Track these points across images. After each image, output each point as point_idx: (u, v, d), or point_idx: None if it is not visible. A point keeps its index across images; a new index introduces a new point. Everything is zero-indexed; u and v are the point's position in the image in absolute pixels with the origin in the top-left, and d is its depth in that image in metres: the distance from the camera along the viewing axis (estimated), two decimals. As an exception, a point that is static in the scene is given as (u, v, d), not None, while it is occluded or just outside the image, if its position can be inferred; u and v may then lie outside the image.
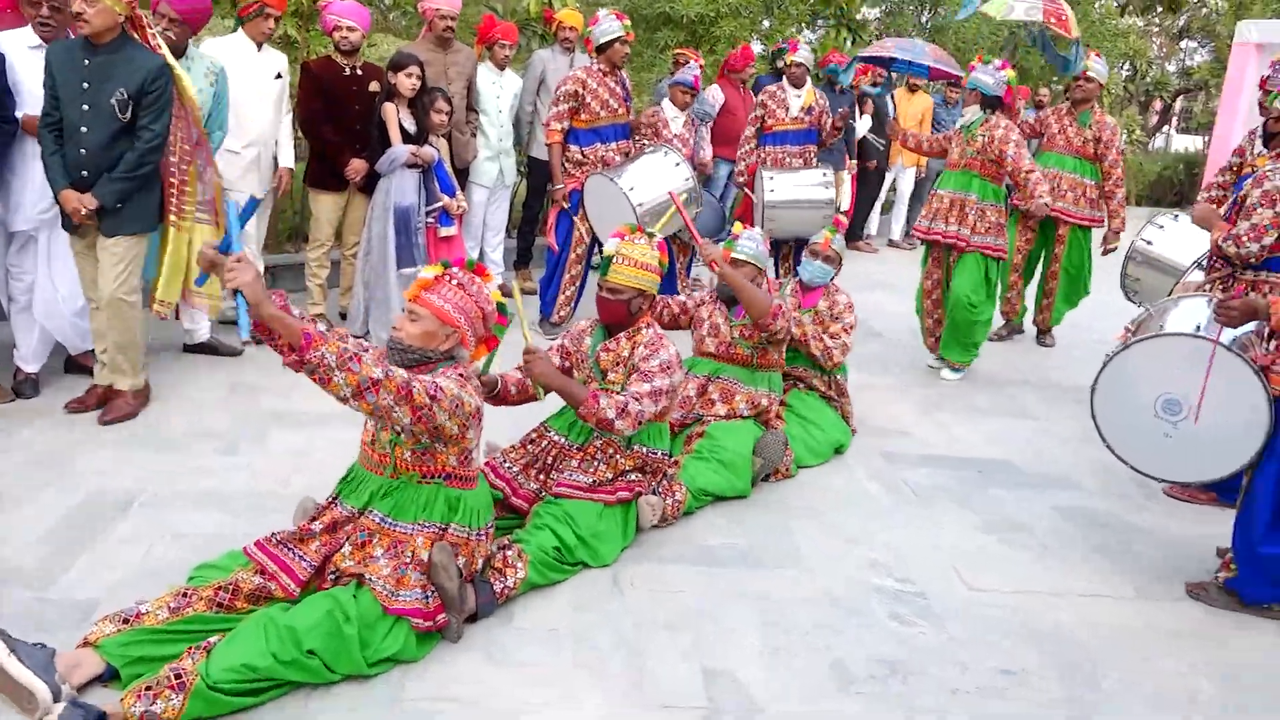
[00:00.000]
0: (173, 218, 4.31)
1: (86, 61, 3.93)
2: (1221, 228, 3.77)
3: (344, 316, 5.80)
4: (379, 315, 5.32)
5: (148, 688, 2.38)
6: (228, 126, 4.97)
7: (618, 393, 3.40)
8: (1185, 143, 21.40)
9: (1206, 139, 17.56)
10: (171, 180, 4.27)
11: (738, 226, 4.20)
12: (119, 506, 3.49)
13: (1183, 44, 18.40)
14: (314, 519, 2.89)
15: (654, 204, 5.16)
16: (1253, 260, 3.68)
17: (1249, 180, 3.69)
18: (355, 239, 5.61)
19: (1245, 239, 3.62)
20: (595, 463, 3.47)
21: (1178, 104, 20.22)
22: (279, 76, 5.31)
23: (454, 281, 2.88)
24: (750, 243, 4.12)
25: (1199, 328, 3.30)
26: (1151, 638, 3.12)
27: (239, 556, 2.84)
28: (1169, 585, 3.45)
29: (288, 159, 5.46)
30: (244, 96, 5.15)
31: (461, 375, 2.84)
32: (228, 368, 5.07)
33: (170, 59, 4.13)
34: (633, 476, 3.50)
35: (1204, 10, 16.23)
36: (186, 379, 4.84)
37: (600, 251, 4.90)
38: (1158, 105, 19.56)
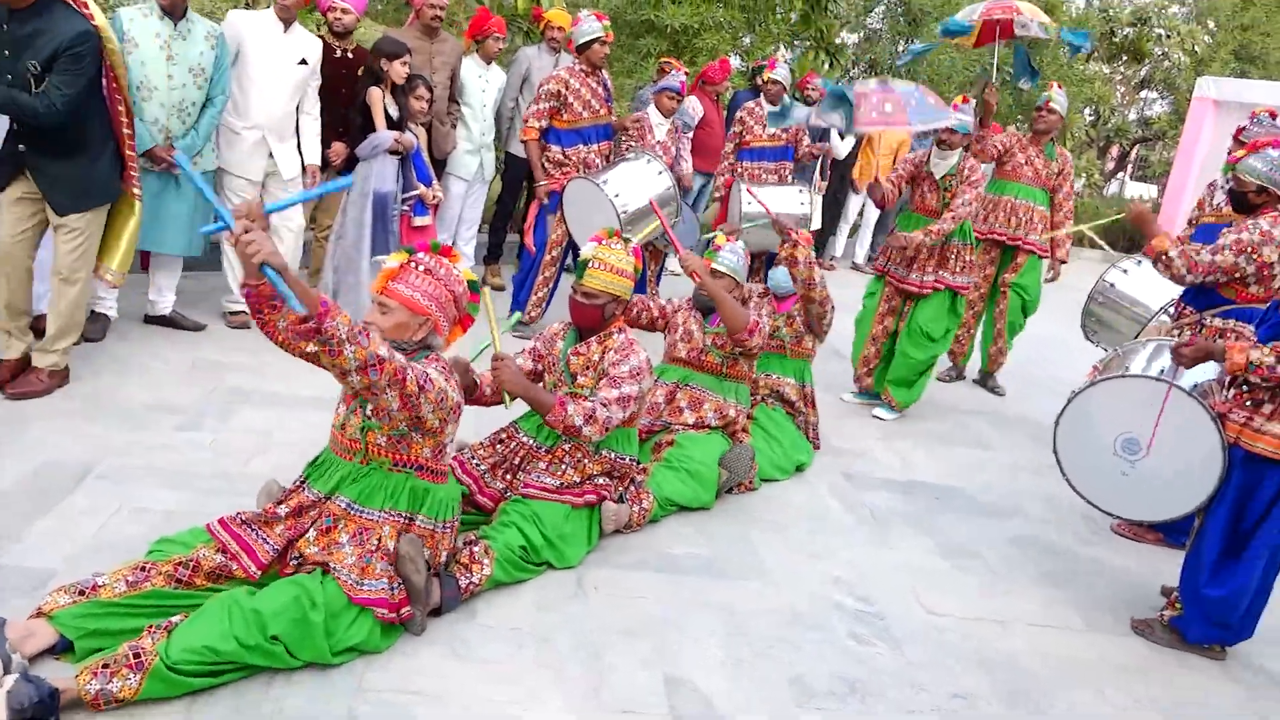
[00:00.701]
0: (136, 190, 4.16)
1: (4, 27, 3.64)
2: (1170, 237, 3.81)
3: (311, 299, 5.71)
4: (347, 300, 5.26)
5: (104, 665, 2.33)
6: (230, 92, 4.86)
7: (586, 398, 3.41)
8: (1138, 190, 22.01)
9: (1159, 187, 18.08)
10: (129, 153, 4.09)
11: (720, 238, 4.24)
12: (75, 476, 3.41)
13: (1143, 94, 18.89)
14: (280, 502, 2.85)
15: (637, 211, 5.17)
16: (1186, 281, 3.74)
17: (1228, 229, 3.78)
18: (329, 221, 5.54)
19: (1198, 265, 3.69)
20: (563, 466, 3.47)
21: (1134, 152, 20.76)
22: (303, 62, 5.07)
23: (420, 268, 2.82)
24: (731, 255, 4.16)
25: (1163, 371, 3.40)
26: (1099, 670, 3.20)
27: (200, 533, 2.80)
28: (1116, 619, 3.55)
29: (313, 154, 5.23)
30: (256, 74, 4.97)
31: (444, 368, 2.82)
32: (190, 342, 4.97)
33: (101, 22, 3.83)
34: (600, 480, 3.51)
35: (1166, 64, 16.69)
36: (147, 351, 4.74)
37: (575, 255, 4.91)
38: (1115, 151, 20.06)
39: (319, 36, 5.41)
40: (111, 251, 4.15)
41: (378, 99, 5.15)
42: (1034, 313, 6.38)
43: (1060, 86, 6.11)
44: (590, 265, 3.49)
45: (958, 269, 5.26)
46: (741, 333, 4.01)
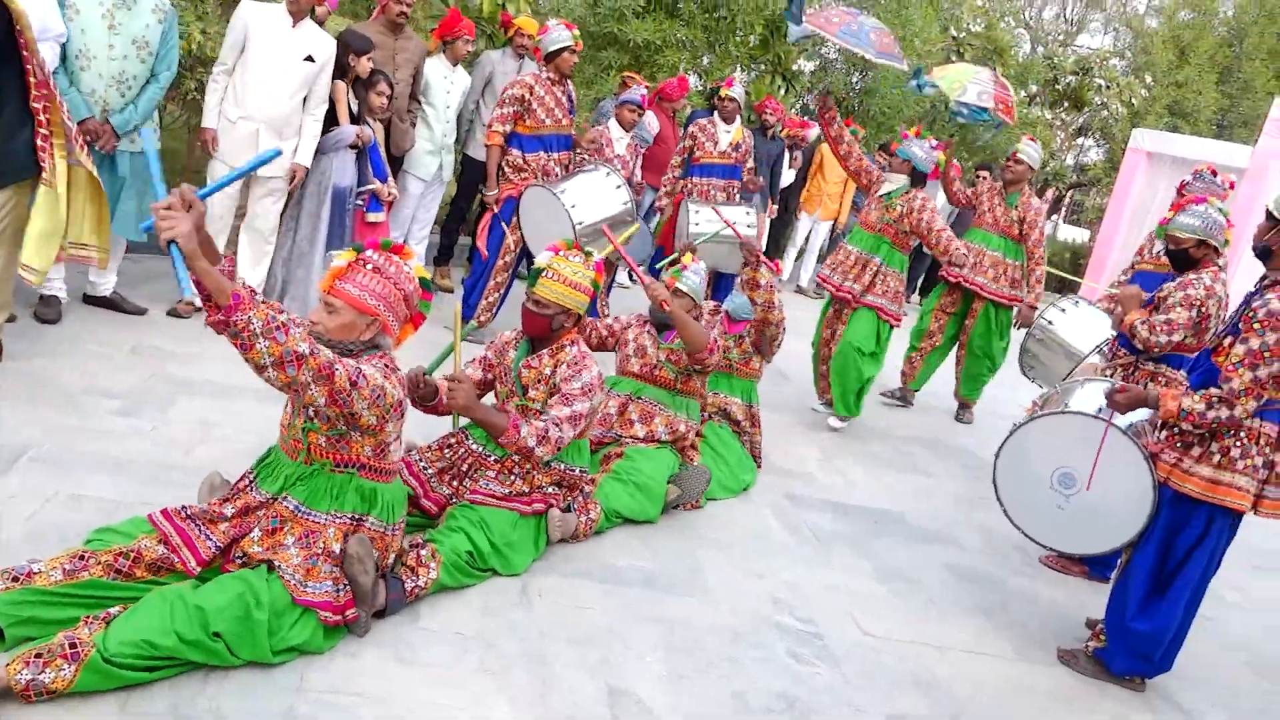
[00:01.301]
0: (45, 175, 3.85)
1: None
2: (1140, 312, 4.01)
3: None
4: (296, 293, 5.19)
5: (38, 655, 2.26)
6: (175, 69, 4.72)
7: (539, 412, 3.41)
8: (1071, 234, 22.80)
9: (1091, 232, 18.73)
10: (40, 130, 3.80)
11: (687, 258, 4.28)
12: (7, 460, 3.29)
13: (1081, 141, 19.57)
14: (226, 500, 2.79)
15: (593, 225, 5.18)
16: (1157, 351, 3.94)
17: (1172, 282, 3.95)
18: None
19: (1159, 329, 3.88)
20: (512, 476, 3.46)
21: (1070, 196, 21.47)
22: (309, 59, 4.97)
23: (369, 266, 2.76)
24: (694, 276, 4.21)
25: (1100, 409, 3.52)
26: (1028, 697, 3.30)
27: (142, 523, 2.72)
28: (1044, 649, 3.65)
29: (306, 155, 5.11)
30: (258, 67, 4.88)
31: (388, 366, 2.78)
32: (131, 327, 4.84)
33: None
34: (549, 489, 3.51)
35: (1104, 113, 17.32)
36: (86, 333, 4.60)
37: (529, 262, 4.90)
38: (1050, 194, 20.72)
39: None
40: (26, 245, 3.85)
41: (342, 93, 5.10)
42: (993, 372, 6.58)
43: (1034, 139, 6.27)
44: (544, 274, 3.47)
45: (880, 292, 5.46)
46: (702, 352, 4.05)
